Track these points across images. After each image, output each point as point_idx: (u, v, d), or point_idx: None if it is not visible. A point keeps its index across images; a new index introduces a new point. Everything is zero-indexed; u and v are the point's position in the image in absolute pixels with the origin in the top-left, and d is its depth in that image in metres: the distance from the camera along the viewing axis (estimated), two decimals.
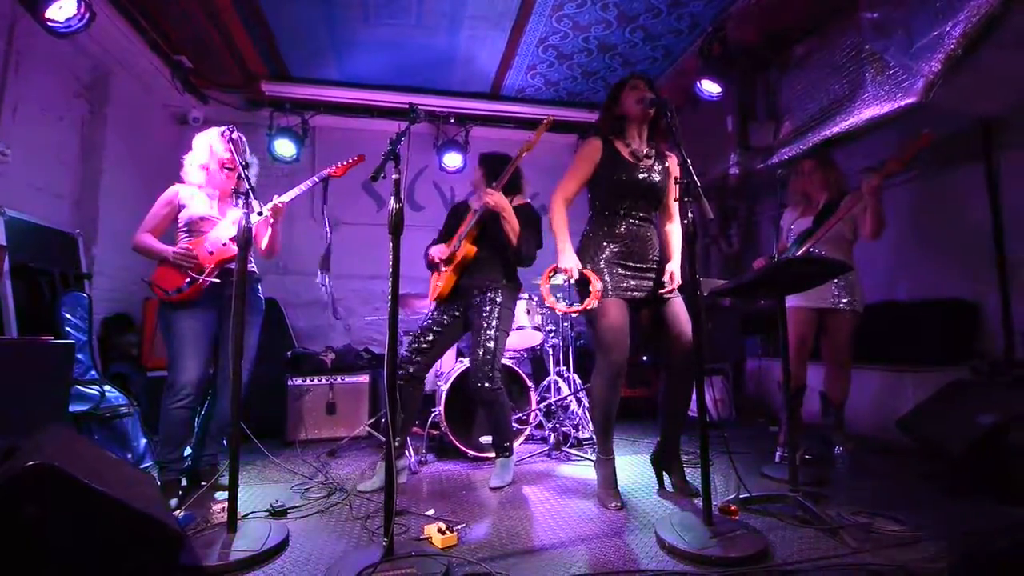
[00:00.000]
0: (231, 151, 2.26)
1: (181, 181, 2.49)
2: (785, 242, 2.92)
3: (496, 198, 2.45)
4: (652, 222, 2.39)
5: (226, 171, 2.45)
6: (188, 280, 2.31)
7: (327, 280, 2.40)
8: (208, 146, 2.46)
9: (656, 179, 2.31)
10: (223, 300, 2.33)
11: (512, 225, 2.49)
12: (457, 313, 2.63)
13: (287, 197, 2.43)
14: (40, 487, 1.31)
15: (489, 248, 2.58)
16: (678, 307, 2.30)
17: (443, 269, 2.63)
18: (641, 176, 2.29)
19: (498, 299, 2.57)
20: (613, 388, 2.22)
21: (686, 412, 2.37)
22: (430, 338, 2.58)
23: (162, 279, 2.34)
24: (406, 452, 2.74)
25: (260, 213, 1.99)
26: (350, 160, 2.52)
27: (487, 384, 2.50)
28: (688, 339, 2.20)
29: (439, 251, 2.67)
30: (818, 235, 2.62)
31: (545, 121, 2.35)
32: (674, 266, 2.30)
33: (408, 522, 2.02)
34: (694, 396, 2.02)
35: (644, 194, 2.31)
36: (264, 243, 2.49)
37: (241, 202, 1.94)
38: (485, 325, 2.53)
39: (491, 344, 2.51)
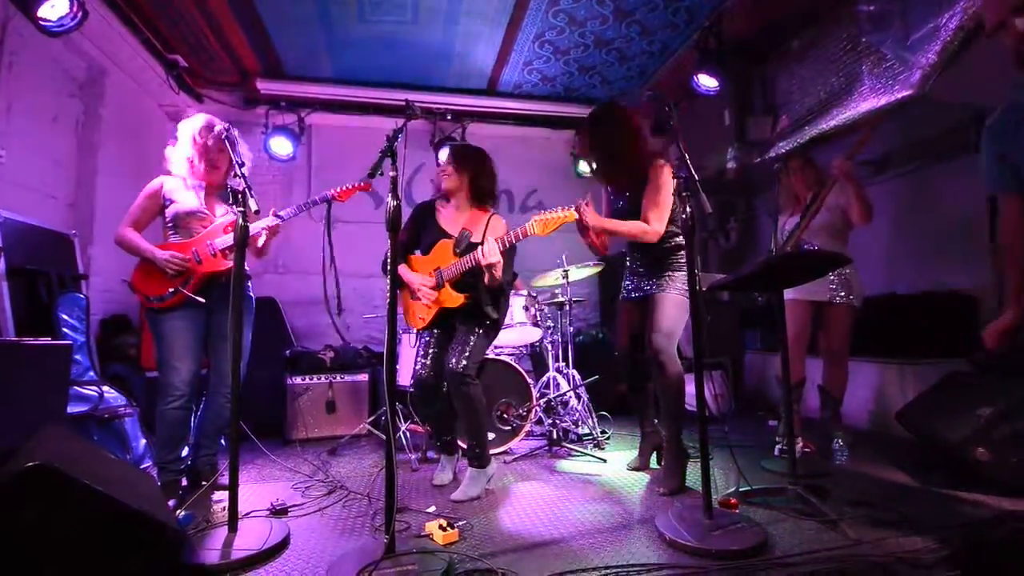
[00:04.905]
0: (208, 145, 2.23)
1: (168, 173, 2.43)
2: (780, 241, 2.93)
3: (495, 261, 2.28)
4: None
5: (209, 162, 2.38)
6: (171, 290, 2.27)
7: (335, 315, 2.31)
8: (191, 136, 2.39)
9: (628, 207, 2.52)
10: (211, 299, 2.32)
11: (497, 276, 2.32)
12: (444, 331, 2.53)
13: (284, 214, 2.39)
14: (40, 488, 1.30)
15: (474, 288, 2.44)
16: (654, 309, 2.39)
17: (424, 301, 2.46)
18: (621, 201, 2.60)
19: (488, 324, 2.48)
20: (625, 376, 2.67)
21: (667, 406, 2.39)
22: (433, 350, 2.47)
23: (144, 284, 2.30)
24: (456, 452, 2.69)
25: (257, 211, 1.97)
26: (354, 185, 2.42)
27: (459, 371, 2.31)
28: (653, 346, 2.34)
29: (417, 280, 2.46)
30: (805, 223, 2.63)
31: None
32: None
33: (409, 519, 2.02)
34: (690, 391, 2.03)
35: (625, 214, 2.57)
36: (259, 244, 2.44)
37: (238, 200, 1.92)
38: (468, 331, 2.43)
39: (471, 345, 2.38)
